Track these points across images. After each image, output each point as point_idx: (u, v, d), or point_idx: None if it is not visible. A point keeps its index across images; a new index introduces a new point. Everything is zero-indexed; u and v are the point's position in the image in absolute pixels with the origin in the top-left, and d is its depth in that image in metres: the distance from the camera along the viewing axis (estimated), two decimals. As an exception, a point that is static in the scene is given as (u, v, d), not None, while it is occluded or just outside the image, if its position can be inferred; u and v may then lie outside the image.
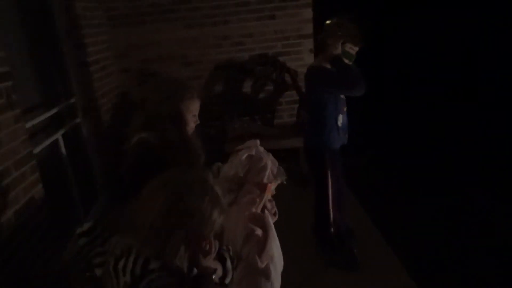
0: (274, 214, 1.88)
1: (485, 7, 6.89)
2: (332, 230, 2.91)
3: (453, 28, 7.68)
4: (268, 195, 1.70)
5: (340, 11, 2.75)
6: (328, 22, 2.69)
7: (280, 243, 1.93)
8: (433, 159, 4.62)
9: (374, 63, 7.96)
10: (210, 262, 1.20)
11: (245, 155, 1.63)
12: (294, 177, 4.04)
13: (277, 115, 4.65)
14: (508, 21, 6.38)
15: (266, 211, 1.78)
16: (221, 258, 1.30)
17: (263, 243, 1.61)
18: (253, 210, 1.65)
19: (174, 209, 1.07)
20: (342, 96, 2.74)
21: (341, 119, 2.74)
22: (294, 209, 3.44)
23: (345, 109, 2.81)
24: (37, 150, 2.66)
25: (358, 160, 4.52)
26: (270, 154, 1.70)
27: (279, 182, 1.69)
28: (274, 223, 1.86)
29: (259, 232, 1.61)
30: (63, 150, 3.15)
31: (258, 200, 1.64)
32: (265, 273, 1.69)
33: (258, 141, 1.71)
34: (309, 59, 4.43)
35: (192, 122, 1.76)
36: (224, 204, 1.18)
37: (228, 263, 1.31)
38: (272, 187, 1.69)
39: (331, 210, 2.87)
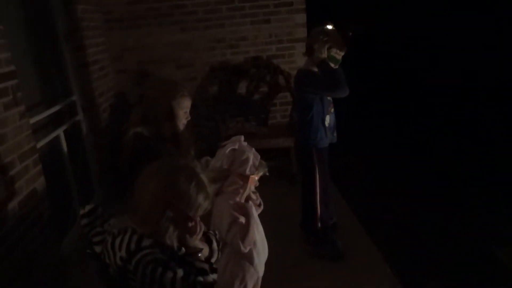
0: (259, 205, 2.05)
1: (484, 7, 7.04)
2: (318, 224, 3.08)
3: (447, 27, 7.85)
4: (251, 186, 1.87)
5: (333, 16, 2.92)
6: (314, 28, 2.86)
7: (269, 235, 2.09)
8: (416, 157, 4.80)
9: (366, 63, 8.19)
10: (197, 242, 1.34)
11: (229, 148, 1.80)
12: (284, 175, 4.22)
13: (271, 115, 4.81)
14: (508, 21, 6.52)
15: (250, 202, 1.94)
16: (208, 240, 1.44)
17: (245, 229, 1.77)
18: (237, 199, 1.81)
19: (165, 192, 1.23)
20: (328, 98, 2.90)
21: (328, 120, 2.90)
22: (284, 204, 3.61)
23: (332, 110, 2.97)
24: (39, 144, 2.81)
25: (345, 159, 4.69)
26: (253, 149, 1.86)
27: (261, 174, 1.85)
28: (265, 216, 2.02)
29: (242, 220, 1.78)
30: (64, 145, 3.31)
31: (241, 190, 1.81)
32: (249, 258, 1.86)
33: (242, 137, 1.87)
34: (302, 62, 4.52)
35: (183, 118, 1.93)
36: (210, 191, 1.32)
37: (214, 244, 1.45)
38: (254, 179, 1.85)
39: (318, 205, 3.04)
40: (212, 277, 1.27)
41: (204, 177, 1.31)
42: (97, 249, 1.34)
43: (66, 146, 3.34)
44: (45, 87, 3.27)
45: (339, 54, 2.80)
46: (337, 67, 2.79)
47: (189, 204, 1.25)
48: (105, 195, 3.83)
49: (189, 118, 1.96)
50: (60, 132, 3.26)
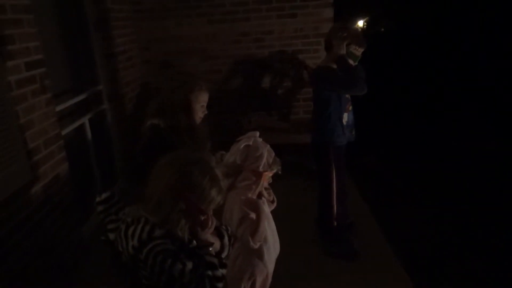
0: (272, 202, 2.04)
1: (488, 9, 6.78)
2: (334, 223, 3.05)
3: (462, 29, 7.57)
4: (264, 182, 1.86)
5: (361, 12, 2.86)
6: (334, 24, 2.80)
7: (284, 232, 2.09)
8: (437, 158, 4.67)
9: (388, 64, 8.00)
10: (209, 236, 1.35)
11: (243, 144, 1.80)
12: (303, 171, 4.19)
13: (293, 111, 4.78)
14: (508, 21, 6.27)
15: (263, 198, 1.94)
16: (219, 234, 1.45)
17: (256, 225, 1.78)
18: (249, 195, 1.81)
19: (178, 184, 1.24)
20: (346, 95, 2.85)
21: (345, 117, 2.85)
22: (301, 201, 3.59)
23: (350, 108, 2.92)
24: (65, 132, 2.91)
25: (365, 158, 4.62)
26: (268, 145, 1.85)
27: (274, 171, 1.85)
28: (280, 212, 2.02)
29: (253, 215, 1.78)
30: (88, 133, 3.41)
31: (254, 186, 1.81)
32: (258, 254, 1.87)
33: (257, 133, 1.87)
34: (327, 58, 4.52)
35: (200, 111, 1.94)
36: (223, 186, 1.33)
37: (226, 239, 1.45)
38: (267, 175, 1.84)
39: (334, 203, 3.01)
40: (221, 271, 1.26)
41: (218, 172, 1.33)
42: (111, 236, 1.37)
43: (91, 134, 3.44)
44: (72, 75, 3.37)
45: (358, 51, 2.74)
46: (356, 63, 2.73)
47: (202, 197, 1.26)
48: (127, 183, 3.93)
49: (206, 112, 1.97)
50: (85, 120, 3.36)
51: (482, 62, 7.00)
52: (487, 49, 7.30)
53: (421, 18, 8.85)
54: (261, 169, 1.78)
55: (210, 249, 1.32)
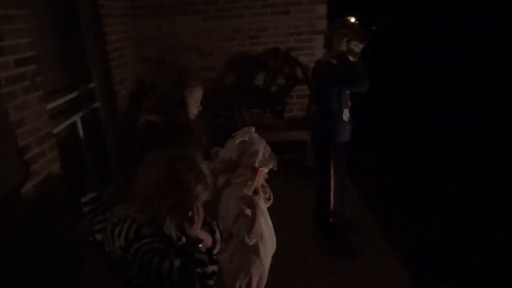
0: (269, 199, 2.03)
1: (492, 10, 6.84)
2: (331, 219, 3.04)
3: (467, 28, 7.62)
4: (260, 178, 1.85)
5: (354, 8, 2.84)
6: (334, 20, 2.79)
7: (281, 228, 2.07)
8: (436, 155, 4.68)
9: (389, 60, 8.03)
10: (200, 232, 1.33)
11: (239, 140, 1.78)
12: (299, 168, 4.18)
13: (287, 108, 4.77)
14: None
15: (258, 194, 1.93)
16: (211, 230, 1.43)
17: (251, 222, 1.76)
18: (245, 191, 1.80)
19: (164, 181, 1.22)
20: (347, 91, 2.84)
21: (347, 113, 2.85)
22: (298, 198, 3.59)
23: (349, 104, 2.91)
24: (57, 130, 2.87)
25: (364, 156, 4.62)
26: (263, 141, 1.84)
27: (270, 166, 1.83)
28: (277, 209, 2.01)
29: (248, 212, 1.77)
30: (81, 132, 3.37)
31: (250, 182, 1.79)
32: (254, 250, 1.86)
33: (253, 128, 1.85)
34: (321, 55, 4.50)
35: (194, 108, 1.92)
36: (210, 182, 1.30)
37: (217, 235, 1.43)
38: (263, 171, 1.83)
39: (331, 199, 3.00)
40: (212, 268, 1.25)
41: (204, 168, 1.29)
42: (98, 237, 1.35)
43: (84, 132, 3.39)
44: (64, 73, 3.32)
45: (358, 47, 2.72)
46: (356, 60, 2.72)
47: (187, 193, 1.24)
48: (122, 181, 3.90)
49: (200, 108, 1.95)
50: (77, 118, 3.32)
51: (478, 59, 7.05)
52: (483, 47, 7.34)
53: (414, 16, 8.89)
54: (257, 164, 1.77)
55: (200, 245, 1.30)
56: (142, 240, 1.19)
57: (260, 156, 1.76)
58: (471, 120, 5.66)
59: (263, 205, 1.90)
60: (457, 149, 4.87)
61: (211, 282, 1.25)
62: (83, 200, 1.40)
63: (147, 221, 1.23)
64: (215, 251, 1.40)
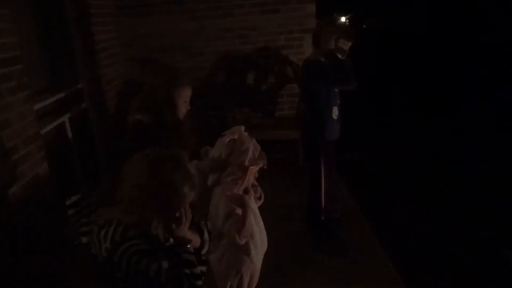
0: (259, 198, 2.02)
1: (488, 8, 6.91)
2: (322, 217, 3.05)
3: (455, 24, 7.70)
4: (250, 177, 1.84)
5: (342, 7, 2.85)
6: (322, 19, 2.80)
7: (272, 227, 2.06)
8: (425, 154, 4.73)
9: (376, 59, 8.09)
10: (188, 232, 1.30)
11: (228, 138, 1.77)
12: (290, 167, 4.19)
13: (278, 107, 4.76)
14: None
15: (250, 194, 1.92)
16: (199, 230, 1.41)
17: (242, 221, 1.75)
18: (235, 190, 1.79)
19: (149, 182, 1.19)
20: (335, 89, 2.84)
21: (336, 112, 2.85)
22: (288, 197, 3.59)
23: (338, 102, 2.92)
24: (44, 130, 2.82)
25: (354, 154, 4.64)
26: (253, 139, 1.83)
27: (260, 165, 1.82)
28: (268, 208, 2.00)
29: (239, 211, 1.76)
30: (69, 132, 3.32)
31: (240, 181, 1.78)
32: (245, 250, 1.85)
33: (242, 127, 1.84)
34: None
35: (183, 107, 1.90)
36: (196, 182, 1.27)
37: (206, 235, 1.42)
38: (253, 170, 1.82)
39: (322, 198, 3.00)
40: (200, 269, 1.23)
41: (191, 167, 1.27)
42: (84, 239, 1.33)
43: (72, 133, 3.35)
44: (52, 73, 3.28)
45: (346, 45, 2.73)
46: (344, 57, 2.73)
47: (173, 194, 1.22)
48: (111, 182, 3.85)
49: (189, 108, 1.93)
50: (65, 119, 3.27)
51: (470, 59, 7.13)
52: (476, 45, 7.41)
53: (404, 15, 8.96)
54: (246, 163, 1.76)
55: (188, 246, 1.28)
56: (129, 242, 1.16)
57: (249, 154, 1.75)
58: (458, 117, 5.73)
59: (253, 204, 1.90)
60: (445, 146, 4.92)
61: (200, 283, 1.23)
62: (67, 202, 1.37)
63: (133, 222, 1.20)
64: (203, 251, 1.39)
